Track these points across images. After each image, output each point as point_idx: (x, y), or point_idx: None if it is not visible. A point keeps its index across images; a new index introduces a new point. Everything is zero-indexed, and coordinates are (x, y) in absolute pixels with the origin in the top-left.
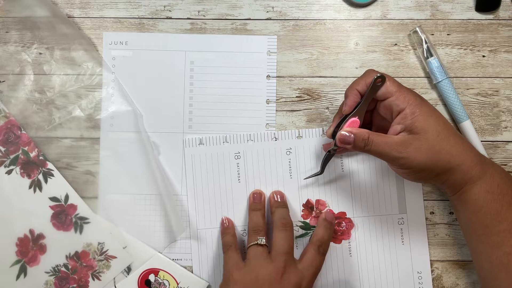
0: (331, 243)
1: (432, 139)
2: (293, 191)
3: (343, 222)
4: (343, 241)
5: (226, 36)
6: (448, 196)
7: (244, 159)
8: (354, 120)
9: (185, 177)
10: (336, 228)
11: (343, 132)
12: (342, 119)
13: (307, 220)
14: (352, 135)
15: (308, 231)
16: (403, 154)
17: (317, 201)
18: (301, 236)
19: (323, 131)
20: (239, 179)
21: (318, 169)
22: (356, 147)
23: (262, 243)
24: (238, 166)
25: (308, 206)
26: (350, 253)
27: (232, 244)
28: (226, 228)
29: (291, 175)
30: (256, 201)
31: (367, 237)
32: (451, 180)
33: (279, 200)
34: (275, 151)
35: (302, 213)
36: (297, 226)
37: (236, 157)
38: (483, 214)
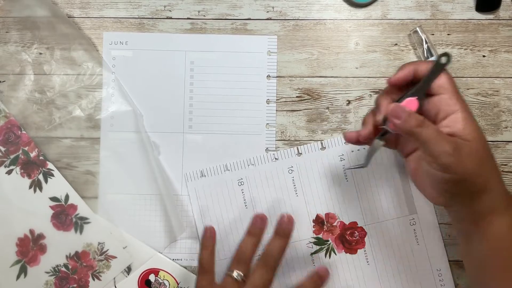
0: (348, 255)
1: (482, 152)
2: (301, 207)
3: (356, 231)
4: (358, 250)
5: (226, 36)
6: (462, 224)
7: (247, 184)
8: (413, 100)
9: (191, 209)
10: (350, 239)
11: (398, 104)
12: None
13: (320, 235)
14: (407, 110)
15: (323, 246)
16: (455, 155)
17: (327, 214)
18: (316, 252)
19: (321, 144)
20: (245, 205)
21: (344, 173)
22: (405, 124)
23: (238, 279)
24: (243, 192)
25: (319, 221)
26: (368, 262)
27: (209, 269)
28: (208, 239)
29: (296, 193)
30: (255, 226)
31: (381, 242)
32: (478, 204)
33: (285, 224)
34: (277, 172)
35: (313, 229)
36: (311, 242)
37: (239, 183)
38: (503, 254)
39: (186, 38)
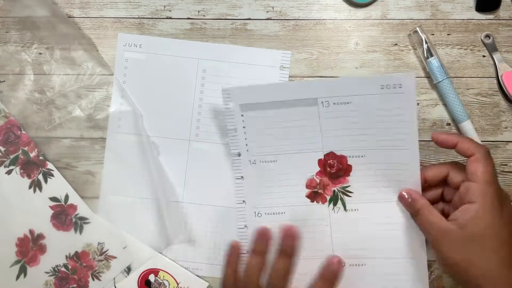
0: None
1: (477, 246)
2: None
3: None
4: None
5: (240, 47)
6: None
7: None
8: None
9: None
10: (335, 172)
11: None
12: None
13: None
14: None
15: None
16: (435, 245)
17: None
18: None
19: None
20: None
21: None
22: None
23: None
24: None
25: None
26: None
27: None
28: (232, 256)
29: None
30: (259, 243)
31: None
32: None
33: (289, 241)
34: None
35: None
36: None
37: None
38: None
39: (200, 46)
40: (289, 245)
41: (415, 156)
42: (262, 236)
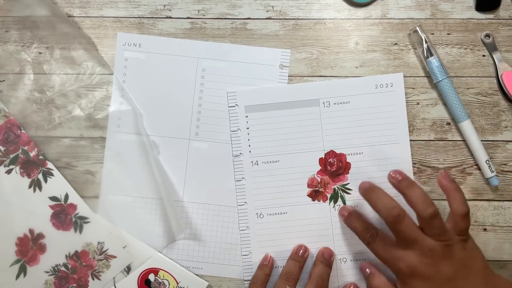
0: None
1: None
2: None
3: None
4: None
5: (240, 46)
6: None
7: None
8: None
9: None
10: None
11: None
12: None
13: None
14: None
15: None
16: None
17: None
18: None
19: None
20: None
21: None
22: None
23: None
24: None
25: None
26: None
27: (259, 281)
28: (264, 265)
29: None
30: (298, 253)
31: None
32: None
33: (325, 257)
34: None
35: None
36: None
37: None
38: None
39: (200, 45)
40: (328, 259)
41: (407, 150)
42: (300, 250)
